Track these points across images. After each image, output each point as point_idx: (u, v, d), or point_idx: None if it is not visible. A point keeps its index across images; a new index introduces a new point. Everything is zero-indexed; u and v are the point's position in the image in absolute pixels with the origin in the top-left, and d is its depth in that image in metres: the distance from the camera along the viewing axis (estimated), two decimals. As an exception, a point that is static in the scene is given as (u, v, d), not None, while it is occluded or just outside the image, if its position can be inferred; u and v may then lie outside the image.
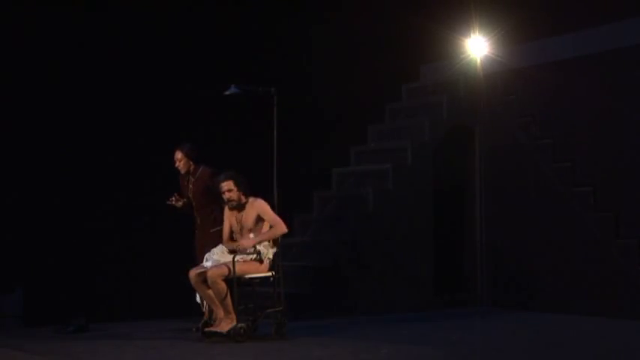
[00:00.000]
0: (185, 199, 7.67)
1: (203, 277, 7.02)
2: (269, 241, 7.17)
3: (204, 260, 7.15)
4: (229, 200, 7.14)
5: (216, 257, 7.11)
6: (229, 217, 7.29)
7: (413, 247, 8.99)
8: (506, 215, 9.24)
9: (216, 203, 7.50)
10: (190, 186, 7.65)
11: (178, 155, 7.60)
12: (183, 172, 7.64)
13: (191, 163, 7.59)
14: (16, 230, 8.29)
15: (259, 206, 7.14)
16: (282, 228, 7.11)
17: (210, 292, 7.05)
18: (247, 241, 7.04)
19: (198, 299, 7.26)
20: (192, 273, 7.08)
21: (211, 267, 7.02)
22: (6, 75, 8.32)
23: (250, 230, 7.17)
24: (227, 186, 7.12)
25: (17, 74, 8.39)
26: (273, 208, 7.24)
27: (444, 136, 9.34)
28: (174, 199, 7.60)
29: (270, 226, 7.14)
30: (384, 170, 9.12)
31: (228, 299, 6.99)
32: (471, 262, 9.46)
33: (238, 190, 7.13)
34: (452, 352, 6.60)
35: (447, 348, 6.81)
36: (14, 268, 8.22)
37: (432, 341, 7.16)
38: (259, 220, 7.15)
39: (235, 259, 7.01)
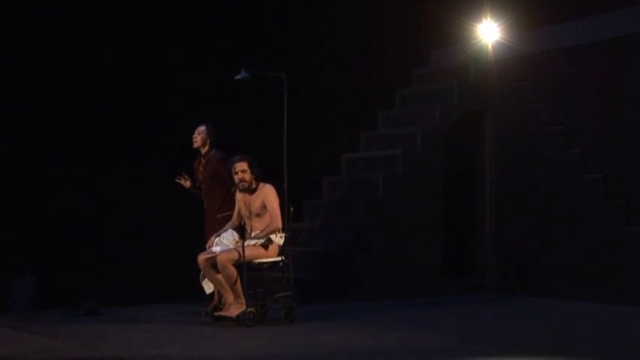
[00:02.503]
0: (197, 183, 7.70)
1: (212, 261, 7.04)
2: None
3: (214, 245, 7.16)
4: (241, 181, 7.14)
5: (226, 242, 7.12)
6: (239, 201, 7.31)
7: (422, 233, 8.98)
8: (516, 202, 9.21)
9: (224, 189, 7.52)
10: (201, 168, 7.67)
11: (201, 128, 7.61)
12: (197, 145, 7.62)
13: (208, 141, 7.59)
14: (26, 214, 8.32)
15: (265, 193, 7.15)
16: (277, 224, 7.11)
17: (219, 276, 7.07)
18: (250, 248, 7.03)
19: (202, 283, 7.26)
20: (201, 258, 7.09)
21: (221, 252, 7.03)
22: (23, 58, 8.32)
23: (258, 215, 7.18)
24: (241, 167, 7.13)
25: (31, 56, 8.39)
26: (283, 193, 7.24)
27: (454, 122, 9.30)
28: (182, 178, 7.63)
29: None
30: (394, 156, 9.09)
31: (238, 284, 7.01)
32: (480, 248, 9.44)
33: (251, 172, 7.14)
34: (460, 339, 6.60)
35: (455, 334, 6.81)
36: (25, 252, 8.26)
37: (441, 327, 7.16)
38: (265, 206, 7.15)
39: (245, 243, 7.02)
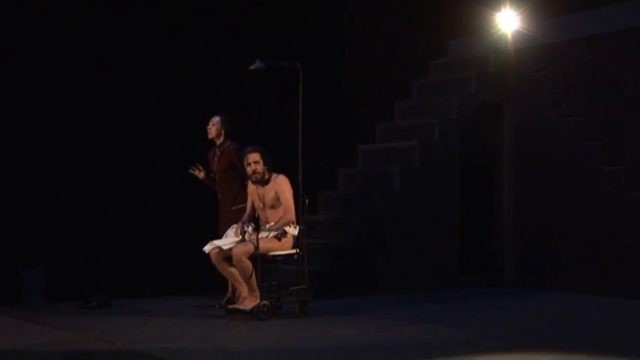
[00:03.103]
0: (211, 174, 7.64)
1: (224, 254, 6.97)
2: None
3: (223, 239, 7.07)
4: (254, 172, 7.06)
5: (231, 233, 7.02)
6: (252, 194, 7.23)
7: (439, 226, 8.88)
8: (534, 194, 9.09)
9: (239, 180, 7.45)
10: (215, 159, 7.61)
11: (215, 118, 7.54)
12: (212, 136, 7.56)
13: (223, 132, 7.53)
14: (39, 206, 8.29)
15: (279, 184, 7.07)
16: (290, 216, 7.04)
17: (231, 269, 7.00)
18: (264, 241, 6.94)
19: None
20: (213, 251, 7.01)
21: (236, 245, 6.95)
22: (42, 54, 8.29)
23: (272, 207, 7.11)
24: (253, 158, 7.06)
25: (49, 48, 8.35)
26: (297, 185, 7.15)
27: (472, 112, 9.19)
28: (197, 169, 7.57)
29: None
30: (411, 147, 8.99)
31: (253, 277, 6.95)
32: (498, 241, 9.33)
33: (264, 164, 7.07)
34: (477, 333, 6.52)
35: (472, 329, 6.73)
36: (37, 244, 8.23)
37: (457, 322, 7.07)
38: (279, 197, 7.07)
39: (259, 236, 6.95)
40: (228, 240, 7.01)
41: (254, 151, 7.09)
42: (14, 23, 8.26)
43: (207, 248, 7.01)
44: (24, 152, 8.31)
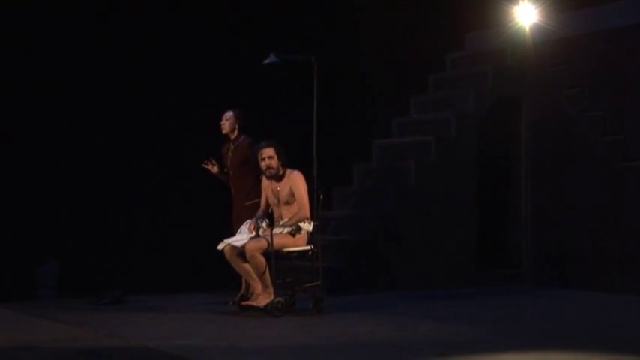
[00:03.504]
0: (225, 169, 7.59)
1: (238, 250, 6.91)
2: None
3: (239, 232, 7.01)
4: (268, 168, 7.00)
5: (244, 229, 6.96)
6: (266, 189, 7.16)
7: (455, 222, 8.79)
8: (552, 189, 8.98)
9: (252, 175, 7.39)
10: (230, 154, 7.56)
11: (228, 114, 7.49)
12: (225, 131, 7.51)
13: (236, 126, 7.48)
14: (51, 201, 8.28)
15: (294, 180, 7.01)
16: (305, 213, 6.97)
17: (246, 265, 6.94)
18: (278, 236, 6.88)
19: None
20: (226, 247, 6.96)
21: (249, 240, 6.89)
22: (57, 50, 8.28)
23: (287, 203, 7.04)
24: (267, 153, 7.00)
25: (55, 46, 8.33)
26: (312, 180, 7.08)
27: (489, 107, 9.09)
28: (210, 164, 7.51)
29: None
30: (427, 142, 8.91)
31: (267, 273, 6.89)
32: (515, 237, 9.23)
33: (278, 159, 7.00)
34: (494, 331, 6.43)
35: (488, 326, 6.64)
36: (49, 239, 8.22)
37: (473, 319, 6.99)
38: (293, 194, 7.01)
39: (273, 232, 6.88)
40: (242, 236, 6.96)
41: (268, 146, 7.02)
42: (14, 23, 8.23)
43: (220, 246, 6.96)
44: (37, 148, 8.30)
